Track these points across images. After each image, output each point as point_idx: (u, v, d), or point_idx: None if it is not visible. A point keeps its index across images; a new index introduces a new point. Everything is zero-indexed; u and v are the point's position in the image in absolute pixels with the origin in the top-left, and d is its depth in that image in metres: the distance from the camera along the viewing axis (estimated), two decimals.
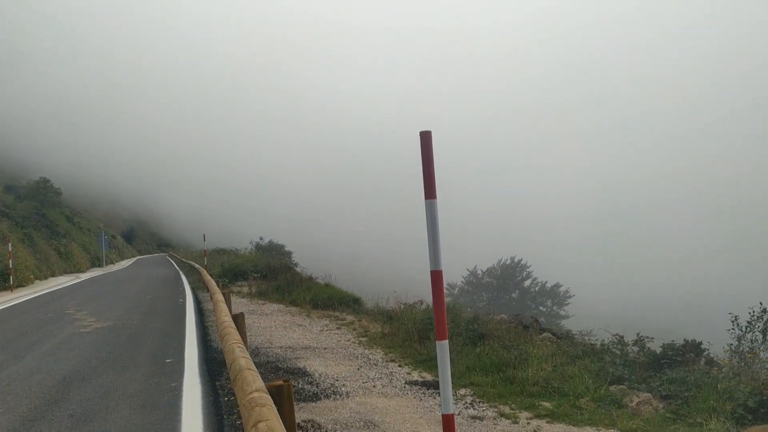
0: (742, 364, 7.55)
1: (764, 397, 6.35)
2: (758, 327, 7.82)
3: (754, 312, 7.94)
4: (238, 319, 6.86)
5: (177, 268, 36.61)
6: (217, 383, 7.01)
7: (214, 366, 7.93)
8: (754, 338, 7.82)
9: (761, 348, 7.66)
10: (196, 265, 26.26)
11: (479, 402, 7.13)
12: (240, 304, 15.49)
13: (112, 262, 50.45)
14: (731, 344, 8.03)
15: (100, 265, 44.00)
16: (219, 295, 9.45)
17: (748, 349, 7.76)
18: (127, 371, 7.62)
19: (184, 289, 19.99)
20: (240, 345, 4.90)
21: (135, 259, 62.10)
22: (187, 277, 25.77)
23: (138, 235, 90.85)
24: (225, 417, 5.71)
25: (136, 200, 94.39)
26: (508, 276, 47.05)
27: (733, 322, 8.06)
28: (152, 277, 27.94)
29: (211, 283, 13.11)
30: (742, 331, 7.96)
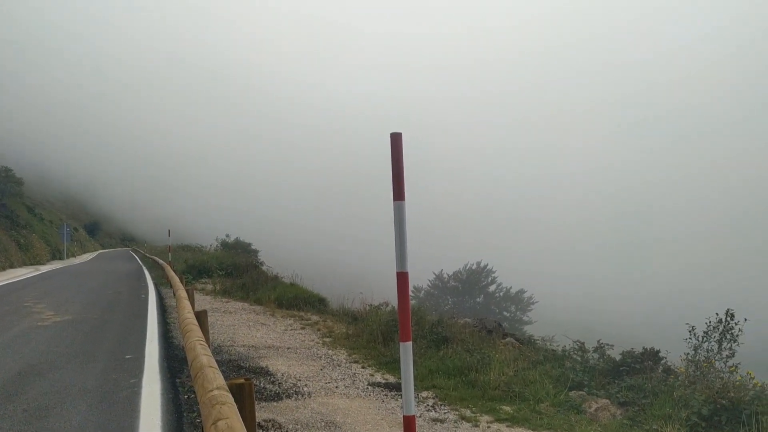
0: (698, 373, 7.71)
1: (718, 406, 6.51)
2: (714, 337, 8.00)
3: (710, 322, 8.13)
4: (201, 317, 6.77)
5: (140, 263, 36.03)
6: (178, 380, 6.92)
7: (175, 363, 7.83)
8: (710, 348, 8.00)
9: (716, 357, 7.84)
10: (160, 261, 25.88)
11: (441, 405, 7.16)
12: (204, 302, 15.33)
13: (74, 256, 49.42)
14: (688, 353, 8.20)
15: (61, 258, 43.06)
16: (182, 292, 9.33)
17: (703, 358, 7.93)
18: (85, 366, 7.47)
19: (146, 285, 19.68)
20: (202, 342, 4.85)
21: (97, 252, 60.89)
22: (151, 273, 25.39)
23: (102, 229, 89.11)
24: (185, 414, 5.64)
25: (100, 193, 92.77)
26: (474, 281, 47.38)
27: (690, 332, 8.24)
28: (114, 272, 27.45)
29: (175, 279, 12.93)
30: (698, 340, 8.14)
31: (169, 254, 25.99)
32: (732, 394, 6.58)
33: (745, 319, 7.96)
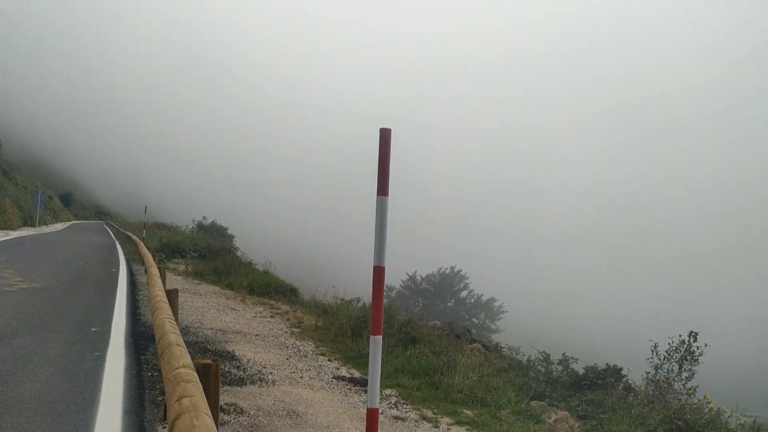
0: (657, 392, 7.86)
1: (673, 426, 6.64)
2: (675, 358, 8.16)
3: (672, 342, 8.29)
4: (172, 295, 6.75)
5: (113, 237, 35.63)
6: (143, 357, 6.88)
7: (141, 340, 7.78)
8: (670, 368, 8.16)
9: (676, 378, 7.99)
10: (134, 237, 25.63)
11: (403, 403, 7.20)
12: (175, 281, 15.21)
13: (46, 224, 48.69)
14: (649, 372, 8.36)
15: (32, 225, 42.41)
16: (154, 269, 9.27)
17: (663, 378, 8.08)
18: (49, 335, 7.39)
19: (118, 259, 19.48)
20: (171, 320, 4.84)
21: (70, 223, 60.04)
22: (123, 248, 25.12)
23: (77, 200, 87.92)
24: (147, 391, 5.61)
25: (79, 165, 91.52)
26: (446, 285, 47.63)
27: (652, 350, 8.39)
28: (87, 244, 27.12)
29: (148, 256, 12.83)
30: (660, 360, 8.29)
31: (144, 231, 25.75)
32: (688, 416, 6.72)
33: (706, 344, 8.13)
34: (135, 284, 13.49)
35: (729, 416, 7.15)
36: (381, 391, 7.57)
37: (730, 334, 53.64)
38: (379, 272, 3.25)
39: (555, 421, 7.17)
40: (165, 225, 37.65)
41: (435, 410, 7.07)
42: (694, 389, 7.76)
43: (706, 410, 7.06)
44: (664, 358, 8.25)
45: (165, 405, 3.40)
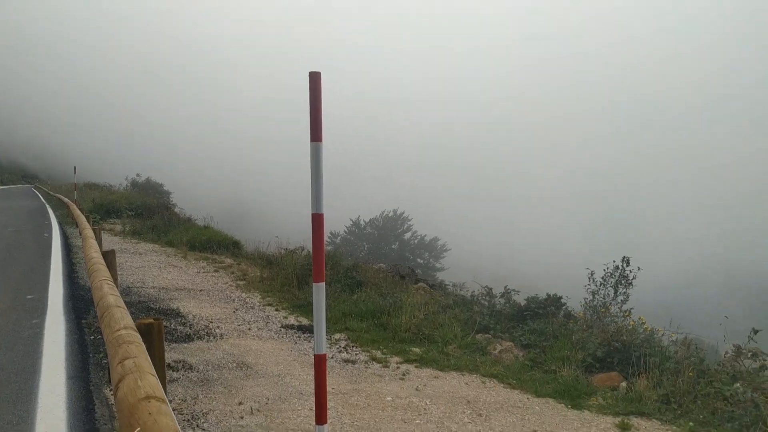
0: (595, 317, 8.21)
1: (611, 348, 6.98)
2: (611, 283, 8.50)
3: (607, 268, 8.62)
4: (109, 256, 6.56)
5: (44, 201, 34.25)
6: (84, 321, 6.73)
7: (80, 304, 7.59)
8: (606, 293, 8.51)
9: (612, 303, 8.35)
10: (65, 199, 24.69)
11: (353, 346, 7.32)
12: (112, 242, 14.83)
13: None
14: (587, 299, 8.70)
15: None
16: (89, 231, 8.97)
17: (601, 303, 8.44)
18: None
19: (50, 224, 18.76)
20: (109, 282, 4.72)
21: None
22: (55, 212, 24.19)
23: (1, 165, 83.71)
24: (91, 355, 5.51)
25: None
26: (390, 228, 48.00)
27: (589, 277, 8.72)
28: (15, 209, 25.99)
29: (81, 218, 12.40)
30: (596, 286, 8.63)
31: (75, 193, 24.84)
32: (625, 338, 7.07)
33: (639, 268, 8.49)
34: (70, 247, 13.08)
35: (662, 335, 7.54)
36: (330, 336, 7.65)
37: (662, 256, 56.20)
38: (317, 219, 3.22)
39: (500, 351, 7.43)
40: (97, 185, 36.37)
41: (384, 350, 7.22)
42: (629, 311, 8.13)
43: (641, 331, 7.42)
44: (600, 284, 8.59)
45: (109, 368, 3.34)
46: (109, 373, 4.12)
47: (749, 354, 6.29)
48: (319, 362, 3.32)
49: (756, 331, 6.41)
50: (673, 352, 6.92)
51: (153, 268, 11.72)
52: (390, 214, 48.88)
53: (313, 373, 5.94)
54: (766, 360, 6.14)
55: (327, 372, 3.55)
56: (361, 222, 48.38)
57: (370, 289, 9.91)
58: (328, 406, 4.05)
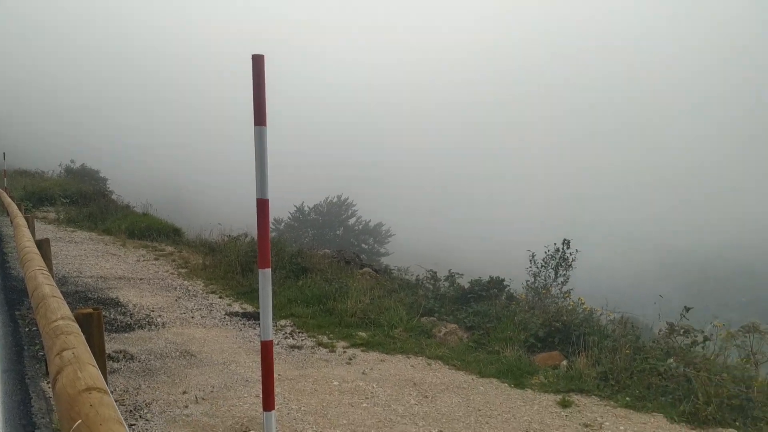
0: (537, 298, 8.41)
1: (552, 328, 7.16)
2: (551, 265, 8.72)
3: (548, 250, 8.83)
4: (43, 245, 6.33)
5: None
6: (18, 313, 6.49)
7: (13, 295, 7.32)
8: (547, 275, 8.72)
9: (553, 284, 8.57)
10: None
11: (299, 332, 7.29)
12: (46, 231, 14.29)
13: None
14: (528, 280, 8.90)
15: None
16: (20, 219, 8.63)
17: (542, 285, 8.64)
18: None
19: None
20: (44, 272, 4.55)
21: None
22: None
23: None
24: (26, 348, 5.33)
25: None
26: (334, 213, 47.89)
27: (530, 259, 8.91)
28: None
29: (12, 206, 11.89)
30: (538, 268, 8.83)
31: (5, 179, 23.81)
32: (565, 318, 7.26)
33: (577, 250, 8.73)
34: (1, 237, 12.56)
35: (600, 314, 7.78)
36: (276, 323, 7.60)
37: (601, 238, 57.93)
38: (262, 205, 3.18)
39: (445, 333, 7.53)
40: (28, 172, 34.88)
41: (330, 335, 7.22)
42: (569, 292, 8.35)
43: (581, 311, 7.64)
44: (542, 266, 8.80)
45: (46, 360, 3.24)
46: (46, 365, 3.99)
47: (682, 331, 6.55)
48: (266, 349, 3.29)
49: (688, 309, 6.68)
50: (610, 331, 7.14)
51: (90, 256, 11.37)
52: (334, 200, 48.76)
53: (259, 360, 5.88)
54: (697, 336, 6.40)
55: (274, 358, 3.52)
56: (305, 208, 48.10)
57: (315, 275, 9.87)
58: (275, 393, 4.02)
